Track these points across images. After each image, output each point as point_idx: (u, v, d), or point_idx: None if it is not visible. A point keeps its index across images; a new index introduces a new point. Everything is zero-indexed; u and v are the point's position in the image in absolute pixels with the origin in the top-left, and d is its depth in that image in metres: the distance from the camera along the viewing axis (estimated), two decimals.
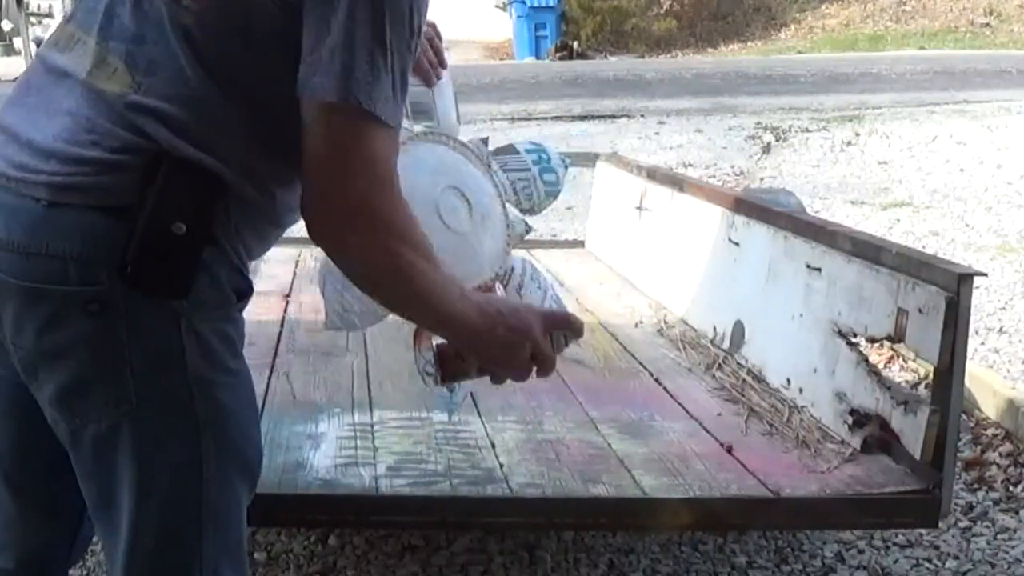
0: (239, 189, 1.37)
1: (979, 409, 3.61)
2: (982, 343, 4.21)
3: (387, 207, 1.35)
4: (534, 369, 1.48)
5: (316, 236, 1.37)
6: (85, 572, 2.63)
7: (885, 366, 3.81)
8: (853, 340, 2.47)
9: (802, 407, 2.57)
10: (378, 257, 1.36)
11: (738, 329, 3.00)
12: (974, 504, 3.09)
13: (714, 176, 7.60)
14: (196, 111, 1.34)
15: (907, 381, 3.75)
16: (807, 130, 9.30)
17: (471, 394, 2.67)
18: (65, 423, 1.38)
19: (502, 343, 1.45)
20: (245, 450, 1.46)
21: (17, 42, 16.42)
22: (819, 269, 2.61)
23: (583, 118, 10.25)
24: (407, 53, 1.35)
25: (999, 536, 2.93)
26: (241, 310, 1.46)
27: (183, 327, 1.35)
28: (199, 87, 1.34)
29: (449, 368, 1.51)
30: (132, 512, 1.39)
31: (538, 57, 17.03)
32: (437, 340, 1.51)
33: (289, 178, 1.39)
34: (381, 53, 1.31)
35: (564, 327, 1.53)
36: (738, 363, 2.92)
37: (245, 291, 1.44)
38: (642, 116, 10.33)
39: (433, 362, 1.52)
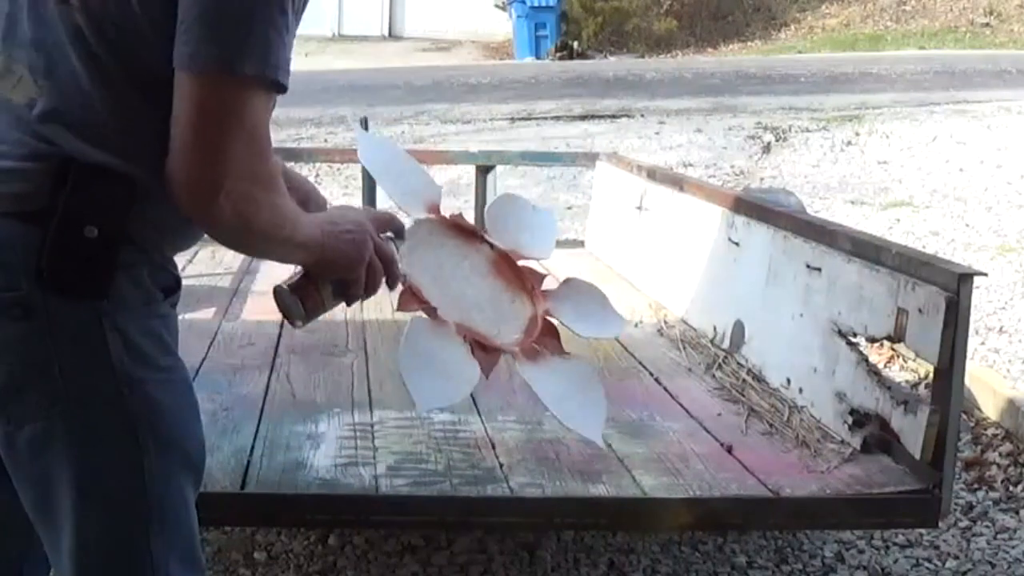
0: (153, 188, 1.35)
1: (979, 409, 3.61)
2: (982, 343, 4.21)
3: (264, 169, 1.35)
4: (383, 281, 1.53)
5: (196, 209, 1.33)
6: None
7: (885, 366, 3.81)
8: (853, 340, 2.47)
9: (802, 407, 2.57)
10: (262, 217, 1.36)
11: (738, 329, 3.00)
12: (974, 504, 3.09)
13: (714, 176, 7.60)
14: (97, 111, 1.34)
15: (907, 381, 3.75)
16: (807, 130, 9.29)
17: (471, 394, 2.68)
18: (0, 427, 1.38)
19: (347, 244, 1.48)
20: (185, 445, 1.46)
21: None
22: (819, 269, 2.61)
23: (583, 118, 10.24)
24: (287, 4, 1.32)
25: (999, 536, 2.93)
26: (173, 305, 1.46)
27: (106, 327, 1.35)
28: (95, 85, 1.33)
29: (309, 303, 1.55)
30: (74, 512, 1.38)
31: (538, 57, 16.99)
32: (287, 284, 1.54)
33: None
34: (251, 14, 1.29)
35: (389, 225, 1.59)
36: (738, 363, 2.92)
37: (172, 287, 1.45)
38: (642, 116, 10.31)
39: (295, 303, 1.55)
